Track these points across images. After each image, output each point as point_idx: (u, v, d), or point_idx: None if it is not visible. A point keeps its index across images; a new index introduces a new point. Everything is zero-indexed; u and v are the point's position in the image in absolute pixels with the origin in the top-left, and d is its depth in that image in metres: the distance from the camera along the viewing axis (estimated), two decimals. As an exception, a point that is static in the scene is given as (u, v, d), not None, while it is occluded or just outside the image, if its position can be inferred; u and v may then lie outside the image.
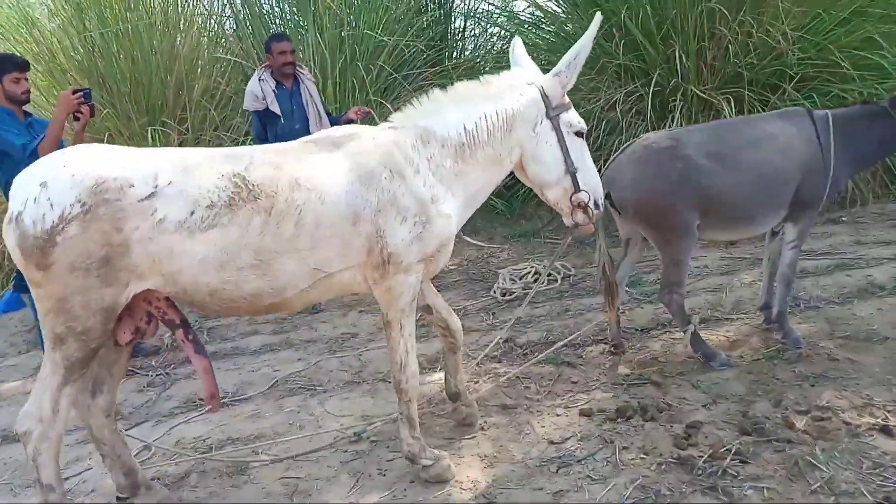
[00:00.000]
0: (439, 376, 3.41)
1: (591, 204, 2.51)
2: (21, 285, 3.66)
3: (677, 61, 5.61)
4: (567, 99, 2.51)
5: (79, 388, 2.20)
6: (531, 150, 2.48)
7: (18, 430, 2.15)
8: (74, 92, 3.52)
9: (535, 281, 4.69)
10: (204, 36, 6.50)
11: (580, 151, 2.51)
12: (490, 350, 3.58)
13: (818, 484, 2.20)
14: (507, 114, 2.45)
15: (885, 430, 2.45)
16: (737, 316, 3.76)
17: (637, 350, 3.47)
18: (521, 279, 4.69)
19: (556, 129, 2.45)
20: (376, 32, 5.99)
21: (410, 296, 2.37)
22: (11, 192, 2.07)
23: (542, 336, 3.79)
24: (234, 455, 2.88)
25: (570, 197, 2.49)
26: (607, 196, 3.07)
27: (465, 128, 2.42)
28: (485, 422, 2.92)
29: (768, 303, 3.45)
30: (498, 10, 7.22)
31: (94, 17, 5.61)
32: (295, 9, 6.27)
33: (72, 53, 5.64)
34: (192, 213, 2.05)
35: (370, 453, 2.78)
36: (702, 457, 2.42)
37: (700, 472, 2.35)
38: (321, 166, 2.25)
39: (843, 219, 5.29)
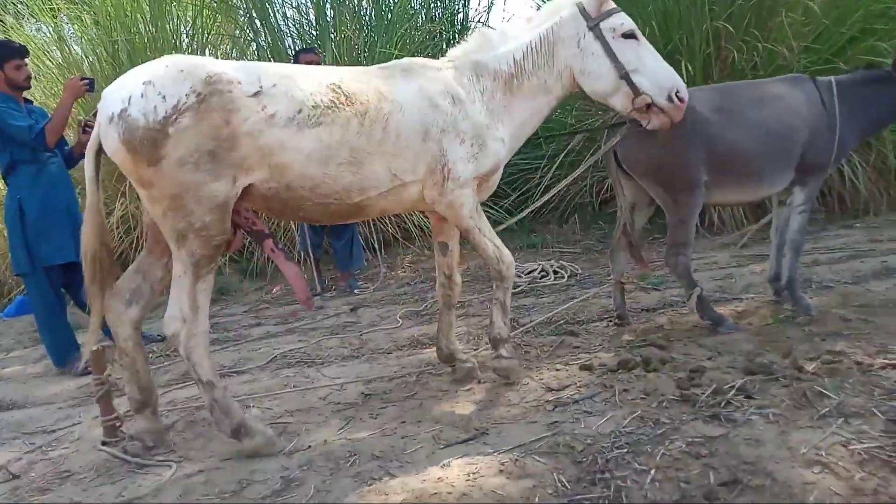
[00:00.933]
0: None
1: (660, 100, 2.50)
2: None
3: (684, 76, 5.69)
4: (611, 5, 2.55)
5: (211, 282, 2.26)
6: (579, 66, 2.56)
7: (167, 333, 2.24)
8: (81, 80, 3.67)
9: (543, 277, 4.64)
10: (227, 54, 6.74)
11: (635, 52, 2.52)
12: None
13: (827, 409, 2.07)
14: (547, 39, 2.58)
15: (898, 366, 2.33)
16: (745, 296, 3.66)
17: (642, 322, 3.37)
18: (527, 274, 4.64)
19: (600, 37, 2.51)
20: (394, 53, 6.20)
21: (472, 204, 2.55)
22: (102, 104, 2.12)
23: (545, 317, 3.71)
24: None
25: (633, 101, 2.52)
26: (614, 156, 3.14)
27: (514, 59, 2.59)
28: (482, 377, 2.83)
29: (778, 274, 3.34)
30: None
31: (122, 41, 5.88)
32: (315, 33, 6.54)
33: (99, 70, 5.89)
34: (300, 111, 2.21)
35: (363, 404, 2.70)
36: (704, 393, 2.31)
37: (702, 405, 2.24)
38: (399, 86, 2.47)
39: (857, 225, 5.20)
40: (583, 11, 2.55)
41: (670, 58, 5.88)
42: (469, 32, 7.36)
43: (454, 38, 7.15)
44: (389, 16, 6.70)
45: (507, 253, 2.63)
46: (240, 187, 2.19)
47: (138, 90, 2.06)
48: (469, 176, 2.50)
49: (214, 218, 2.14)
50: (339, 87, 2.33)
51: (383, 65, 2.64)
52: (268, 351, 3.73)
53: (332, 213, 2.43)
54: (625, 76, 2.50)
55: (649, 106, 2.52)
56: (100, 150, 2.21)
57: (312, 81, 2.31)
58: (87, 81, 3.68)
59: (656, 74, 2.52)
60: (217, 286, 4.43)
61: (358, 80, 2.42)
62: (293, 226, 5.43)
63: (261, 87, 2.18)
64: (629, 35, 2.53)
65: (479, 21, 7.34)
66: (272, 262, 5.64)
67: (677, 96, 2.50)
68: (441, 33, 6.95)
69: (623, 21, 2.53)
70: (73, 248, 3.61)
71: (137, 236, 5.58)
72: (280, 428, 2.51)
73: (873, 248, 4.13)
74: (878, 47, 5.44)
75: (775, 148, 3.00)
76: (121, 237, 5.56)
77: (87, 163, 2.26)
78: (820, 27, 5.38)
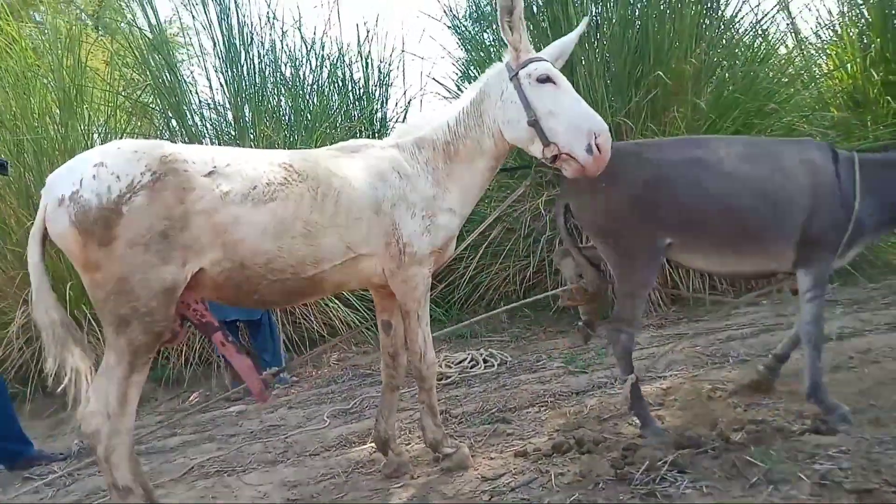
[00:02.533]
0: (369, 446, 3.20)
1: (574, 150, 2.32)
2: None
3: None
4: (532, 54, 2.48)
5: (144, 376, 2.14)
6: (501, 117, 2.52)
7: (86, 431, 2.10)
8: None
9: (473, 367, 4.61)
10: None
11: (551, 97, 2.39)
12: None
13: (756, 478, 2.10)
14: (477, 100, 2.61)
15: (816, 430, 2.41)
16: (669, 373, 3.74)
17: (573, 405, 3.37)
18: (457, 364, 4.59)
19: (517, 85, 2.46)
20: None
21: (424, 287, 2.56)
22: (48, 189, 2.09)
23: (477, 406, 3.65)
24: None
25: (543, 150, 2.41)
26: (567, 209, 2.83)
27: (448, 126, 2.64)
28: (415, 472, 2.72)
29: (787, 353, 2.99)
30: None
31: (28, 141, 5.72)
32: (233, 132, 6.57)
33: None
34: (255, 187, 2.24)
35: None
36: (639, 471, 2.30)
37: (637, 483, 2.22)
38: (347, 164, 2.52)
39: (764, 302, 5.50)
40: (508, 66, 2.52)
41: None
42: (389, 130, 7.64)
43: (373, 136, 7.36)
44: (308, 115, 6.85)
45: (431, 353, 2.63)
46: (189, 272, 2.13)
47: (90, 172, 2.04)
48: (425, 250, 2.52)
49: (160, 303, 2.07)
50: (291, 166, 2.37)
51: (331, 146, 2.72)
52: (184, 462, 3.45)
53: (288, 291, 2.37)
54: (533, 123, 2.39)
55: (555, 158, 2.39)
56: (44, 236, 2.12)
57: (264, 161, 2.36)
58: None
59: (572, 119, 2.34)
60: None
61: (306, 159, 2.47)
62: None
63: (214, 166, 2.21)
64: (544, 79, 2.41)
65: (397, 120, 7.60)
66: (189, 367, 5.39)
67: (596, 144, 2.29)
68: (360, 132, 7.14)
69: (538, 66, 2.43)
70: None
71: (39, 347, 5.18)
72: (196, 545, 2.29)
73: (780, 323, 4.36)
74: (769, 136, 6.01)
75: (762, 211, 2.55)
76: (21, 348, 5.15)
77: (31, 249, 2.15)
78: (708, 121, 5.90)
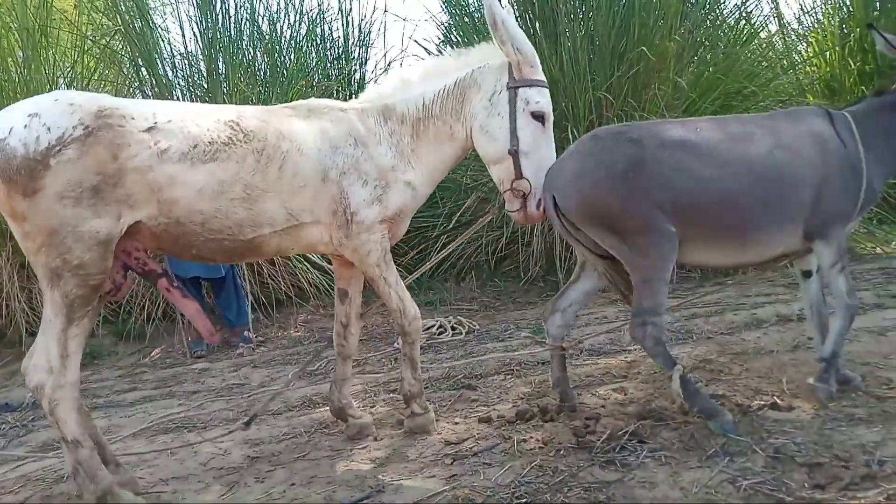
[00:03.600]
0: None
1: (530, 198, 2.43)
2: None
3: (570, 140, 6.03)
4: (539, 76, 2.43)
5: (86, 329, 2.08)
6: (481, 120, 2.46)
7: (29, 386, 2.07)
8: None
9: (441, 333, 4.61)
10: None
11: (535, 135, 2.40)
12: (389, 385, 3.42)
13: (713, 449, 2.14)
14: (463, 83, 2.50)
15: (773, 406, 2.45)
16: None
17: (539, 374, 3.39)
18: (426, 330, 4.58)
19: (513, 101, 2.39)
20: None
21: (379, 251, 2.49)
22: None
23: (443, 372, 3.65)
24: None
25: (511, 181, 2.43)
26: (554, 204, 2.45)
27: (423, 103, 2.54)
28: (378, 434, 2.72)
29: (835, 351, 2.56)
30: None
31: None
32: (206, 85, 6.37)
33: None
34: (195, 146, 2.16)
35: (249, 468, 2.50)
36: (600, 440, 2.33)
37: (598, 451, 2.25)
38: (299, 126, 2.42)
39: (729, 282, 5.60)
40: (510, 69, 2.42)
41: (557, 123, 6.28)
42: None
43: (351, 96, 7.21)
44: (284, 72, 6.67)
45: (411, 307, 2.59)
46: (124, 224, 2.07)
47: (21, 121, 1.97)
48: (373, 219, 2.44)
49: (94, 256, 2.01)
50: (238, 125, 2.28)
51: (289, 104, 2.60)
52: (143, 416, 3.41)
53: (226, 251, 2.31)
54: (514, 153, 2.41)
55: (517, 193, 2.44)
56: None
57: (210, 118, 2.27)
58: None
59: (540, 169, 2.42)
60: (87, 349, 4.05)
61: (258, 117, 2.37)
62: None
63: (155, 122, 2.13)
64: (539, 116, 2.41)
65: (376, 82, 7.46)
66: (152, 322, 5.29)
67: (538, 204, 2.45)
68: (337, 91, 6.98)
69: (541, 99, 2.41)
70: None
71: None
72: (153, 497, 2.27)
73: (744, 303, 4.43)
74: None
75: (766, 196, 2.37)
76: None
77: None
78: (688, 100, 5.91)
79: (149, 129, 2.10)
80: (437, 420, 2.77)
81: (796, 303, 4.19)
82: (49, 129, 1.97)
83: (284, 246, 2.44)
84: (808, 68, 7.79)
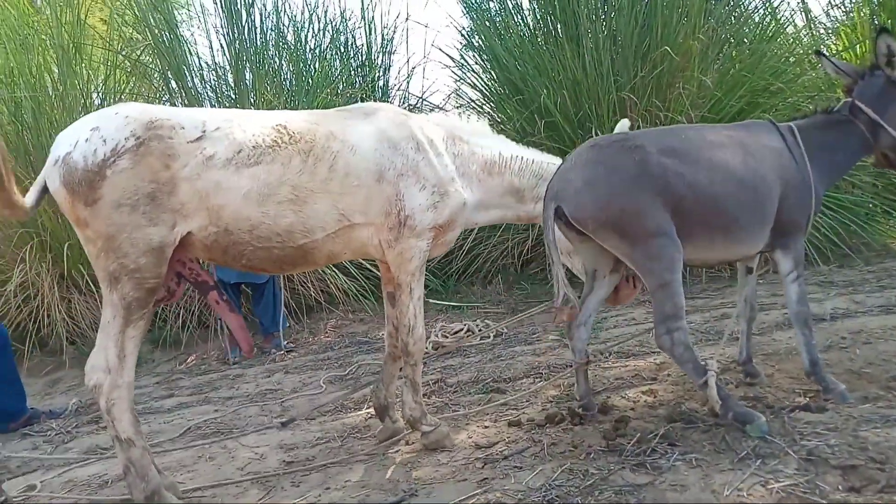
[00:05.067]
0: (365, 412, 3.25)
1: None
2: None
3: (595, 142, 6.02)
4: None
5: (142, 331, 2.18)
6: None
7: (88, 385, 2.16)
8: None
9: (468, 337, 4.64)
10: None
11: None
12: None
13: (745, 452, 2.13)
14: (545, 168, 2.81)
15: (805, 408, 2.43)
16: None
17: (568, 377, 3.41)
18: (453, 334, 4.63)
19: None
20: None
21: (420, 260, 2.53)
22: (54, 147, 2.15)
23: (472, 376, 3.69)
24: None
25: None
26: (558, 215, 2.49)
27: (500, 153, 2.76)
28: (409, 438, 2.76)
29: (749, 356, 2.94)
30: (420, 100, 7.61)
31: (25, 90, 5.65)
32: (234, 95, 6.51)
33: None
34: (240, 151, 2.23)
35: (285, 473, 2.56)
36: (630, 443, 2.34)
37: (628, 454, 2.26)
38: (354, 127, 2.48)
39: (760, 281, 5.53)
40: None
41: (581, 125, 6.28)
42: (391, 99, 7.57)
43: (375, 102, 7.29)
44: (310, 80, 6.78)
45: (420, 328, 2.59)
46: (178, 234, 2.17)
47: (84, 135, 2.10)
48: (427, 224, 2.49)
49: (149, 261, 2.11)
50: (285, 127, 2.34)
51: (345, 107, 2.67)
52: (181, 423, 3.51)
53: (276, 259, 2.35)
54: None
55: None
56: (44, 189, 2.19)
57: (256, 123, 2.33)
58: None
59: None
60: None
61: (308, 120, 2.43)
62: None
63: (203, 131, 2.22)
64: None
65: (399, 88, 7.54)
66: (186, 330, 5.42)
67: None
68: (362, 99, 7.07)
69: None
70: None
71: (36, 306, 5.21)
72: (193, 501, 2.33)
73: (775, 302, 4.38)
74: (763, 118, 5.96)
75: (747, 196, 2.50)
76: (18, 306, 5.17)
77: (31, 192, 2.21)
78: (713, 99, 5.85)
79: (198, 139, 2.19)
80: (467, 424, 2.81)
81: (828, 302, 4.14)
82: (105, 141, 2.08)
83: (336, 251, 2.45)
84: (839, 60, 7.65)
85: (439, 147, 2.58)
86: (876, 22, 7.26)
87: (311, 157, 2.32)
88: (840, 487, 1.83)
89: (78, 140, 2.10)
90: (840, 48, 8.04)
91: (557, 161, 2.83)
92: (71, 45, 6.10)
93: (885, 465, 1.89)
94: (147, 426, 3.51)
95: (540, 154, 2.88)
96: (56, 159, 2.11)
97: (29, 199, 2.19)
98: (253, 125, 2.31)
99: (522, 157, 2.79)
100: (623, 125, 3.07)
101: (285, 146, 2.30)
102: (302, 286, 5.75)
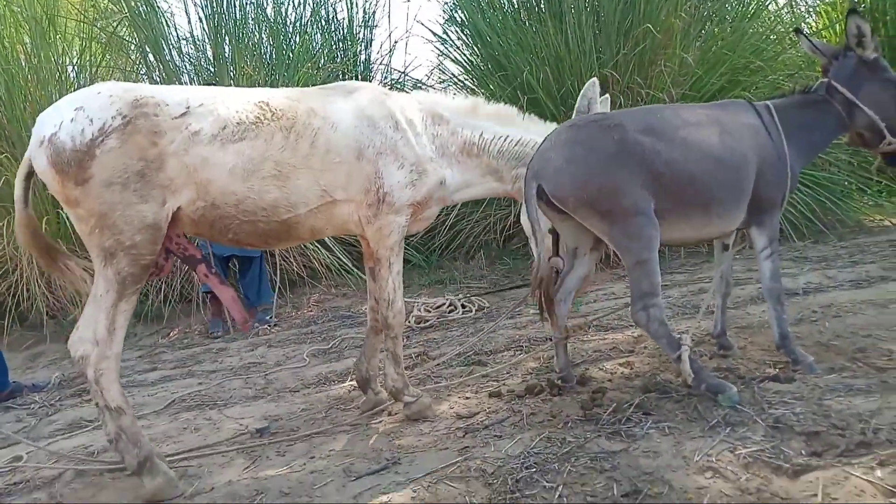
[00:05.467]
0: (348, 384, 3.30)
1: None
2: None
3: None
4: None
5: (132, 305, 2.20)
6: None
7: (74, 356, 2.18)
8: None
9: (451, 312, 4.70)
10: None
11: None
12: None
13: (715, 420, 2.22)
14: (525, 148, 2.81)
15: (775, 378, 2.53)
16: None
17: (548, 350, 3.48)
18: (436, 308, 4.68)
19: None
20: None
21: (398, 236, 2.58)
22: (36, 128, 2.15)
23: (454, 349, 3.75)
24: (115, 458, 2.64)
25: (550, 257, 2.69)
26: (539, 194, 2.53)
27: (481, 134, 2.77)
28: (392, 409, 2.82)
29: (723, 329, 3.03)
30: (403, 75, 7.57)
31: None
32: (212, 69, 6.43)
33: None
34: (224, 127, 2.26)
35: (269, 443, 2.61)
36: (606, 412, 2.41)
37: (604, 423, 2.34)
38: (335, 104, 2.51)
39: (736, 256, 5.64)
40: None
41: (564, 101, 6.30)
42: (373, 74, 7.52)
43: (356, 78, 7.25)
44: (290, 55, 6.71)
45: (400, 301, 2.64)
46: (170, 209, 2.19)
47: (69, 115, 2.10)
48: (405, 201, 2.54)
49: (145, 238, 2.14)
50: (267, 104, 2.37)
51: (327, 85, 2.70)
52: (165, 395, 3.54)
53: (261, 234, 2.39)
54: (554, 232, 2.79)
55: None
56: (30, 173, 2.21)
57: (240, 99, 2.36)
58: None
59: None
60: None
61: (290, 97, 2.46)
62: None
63: (188, 107, 2.23)
64: None
65: (381, 63, 7.49)
66: (168, 304, 5.42)
67: None
68: (343, 73, 7.02)
69: None
70: None
71: (15, 281, 5.17)
72: (180, 471, 2.37)
73: (750, 277, 4.48)
74: (742, 96, 6.03)
75: (723, 174, 2.54)
76: (-5, 281, 5.13)
77: (17, 184, 2.24)
78: (694, 77, 5.90)
79: (182, 115, 2.21)
80: (448, 395, 2.87)
81: (802, 277, 4.25)
82: (92, 121, 2.09)
83: (319, 226, 2.51)
84: (817, 40, 7.72)
85: (418, 127, 2.62)
86: (854, 0, 7.34)
87: (292, 133, 2.36)
88: (803, 452, 1.92)
89: (63, 120, 2.10)
90: (820, 26, 8.13)
91: (534, 131, 2.84)
92: (44, 17, 5.97)
93: (846, 432, 1.98)
94: (132, 398, 3.51)
95: (528, 131, 2.85)
96: (41, 140, 2.11)
97: (17, 191, 2.22)
98: (236, 102, 2.33)
99: (505, 138, 2.80)
100: (604, 101, 3.11)
101: (268, 122, 2.33)
102: (285, 261, 5.76)
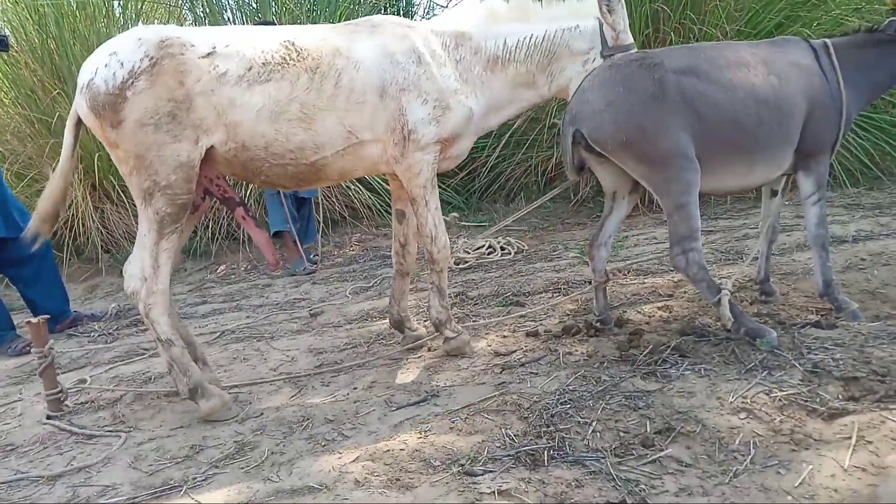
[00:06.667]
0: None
1: None
2: None
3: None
4: (629, 41, 2.60)
5: (175, 244, 2.31)
6: (576, 84, 2.59)
7: (127, 291, 2.32)
8: None
9: (490, 253, 4.73)
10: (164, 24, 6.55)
11: None
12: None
13: (752, 364, 2.23)
14: (554, 40, 2.61)
15: (817, 325, 2.50)
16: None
17: (586, 292, 3.50)
18: (475, 250, 4.72)
19: None
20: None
21: (429, 172, 2.54)
22: (80, 75, 2.23)
23: (493, 290, 3.80)
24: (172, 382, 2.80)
25: None
26: (577, 137, 2.49)
27: (504, 42, 2.60)
28: (431, 345, 2.90)
29: (767, 275, 2.97)
30: (445, 10, 7.38)
31: (49, 6, 5.62)
32: (255, 5, 6.40)
33: (24, 38, 5.62)
34: (250, 68, 2.27)
35: (314, 376, 2.73)
36: (642, 353, 2.44)
37: (640, 363, 2.37)
38: (359, 42, 2.47)
39: (786, 203, 5.48)
40: (603, 35, 2.59)
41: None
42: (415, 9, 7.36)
43: (398, 13, 7.12)
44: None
45: (443, 235, 2.63)
46: (202, 148, 2.25)
47: (104, 61, 2.19)
48: (431, 138, 2.48)
49: (179, 177, 2.22)
50: (293, 44, 2.35)
51: (353, 21, 2.64)
52: (215, 327, 3.70)
53: (291, 176, 2.43)
54: None
55: None
56: (79, 120, 2.30)
57: (266, 39, 2.35)
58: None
59: None
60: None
61: (315, 36, 2.43)
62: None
63: (213, 47, 2.25)
64: None
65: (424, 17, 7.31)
66: (216, 241, 5.59)
67: None
68: (386, 8, 6.90)
69: None
70: (2, 223, 3.54)
71: (71, 215, 5.38)
72: (232, 397, 2.51)
73: (798, 224, 4.37)
74: (801, 33, 5.73)
75: (769, 117, 2.45)
76: (55, 215, 5.35)
77: (67, 131, 2.35)
78: (750, 12, 5.62)
79: (208, 55, 2.23)
80: (486, 333, 2.94)
81: (853, 224, 4.13)
82: (122, 64, 2.16)
83: (347, 168, 2.51)
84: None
85: (441, 56, 2.53)
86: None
87: (317, 74, 2.34)
88: (840, 397, 1.93)
89: (98, 66, 2.18)
90: (892, -43, 7.57)
91: (560, 17, 2.63)
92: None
93: (886, 378, 1.97)
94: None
95: (553, 19, 2.62)
96: (81, 87, 2.21)
97: (67, 140, 2.33)
98: (262, 42, 2.34)
99: (529, 37, 2.60)
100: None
101: (293, 63, 2.32)
102: (327, 201, 5.84)
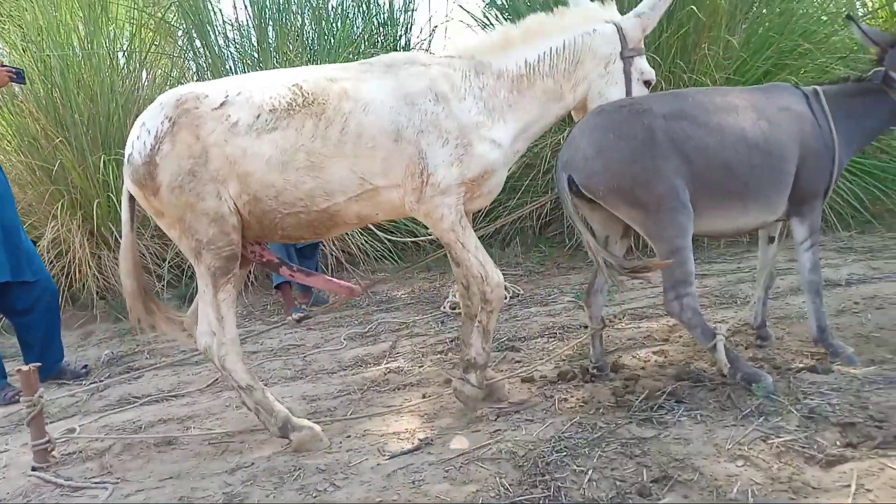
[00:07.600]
0: (384, 366, 3.37)
1: None
2: None
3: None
4: (643, 44, 2.56)
5: (232, 293, 2.36)
6: (599, 89, 2.55)
7: (200, 349, 2.39)
8: (9, 69, 3.63)
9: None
10: (167, 74, 6.68)
11: None
12: (436, 346, 3.57)
13: (749, 409, 2.21)
14: (576, 47, 2.52)
15: (812, 369, 2.49)
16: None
17: (581, 338, 3.48)
18: (470, 294, 4.70)
19: (627, 72, 2.51)
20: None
21: (454, 216, 2.37)
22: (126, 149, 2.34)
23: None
24: (163, 431, 2.76)
25: None
26: (569, 183, 2.48)
27: (525, 61, 2.50)
28: (426, 392, 2.87)
29: (763, 321, 2.96)
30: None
31: (53, 49, 5.74)
32: (257, 55, 6.54)
33: (28, 88, 5.71)
34: (258, 116, 2.26)
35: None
36: (638, 399, 2.42)
37: (636, 409, 2.35)
38: (370, 83, 2.38)
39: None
40: (621, 36, 2.52)
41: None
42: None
43: (394, 42, 7.31)
44: (332, 39, 6.78)
45: (494, 274, 2.43)
46: (227, 201, 2.27)
47: (136, 132, 2.28)
48: (451, 181, 2.32)
49: (216, 231, 2.27)
50: (300, 88, 2.30)
51: (368, 59, 2.53)
52: (209, 374, 3.66)
53: (306, 225, 2.38)
54: None
55: None
56: (131, 196, 2.38)
57: (275, 83, 2.33)
58: (13, 71, 3.64)
59: None
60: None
61: (326, 77, 2.36)
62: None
63: (226, 97, 2.28)
64: (648, 84, 2.60)
65: (420, 48, 7.49)
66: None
67: None
68: (379, 44, 7.09)
69: (651, 70, 2.57)
70: (8, 266, 3.54)
71: (68, 262, 5.40)
72: (222, 447, 2.48)
73: (791, 268, 4.39)
74: (789, 80, 5.86)
75: (759, 162, 2.46)
76: (51, 262, 5.35)
77: (123, 208, 2.43)
78: (739, 60, 5.76)
79: (221, 105, 2.27)
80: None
81: (845, 268, 4.15)
82: (149, 131, 2.25)
83: (365, 213, 2.40)
84: (872, 21, 7.42)
85: (461, 89, 2.40)
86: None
87: (322, 120, 2.26)
88: (838, 443, 1.91)
89: (133, 140, 2.28)
90: (876, 5, 7.80)
91: (574, 24, 2.57)
92: (97, 3, 6.16)
93: (884, 424, 1.95)
94: (176, 377, 3.68)
95: (566, 29, 2.55)
96: (125, 162, 2.31)
97: (125, 216, 2.42)
98: (270, 87, 2.30)
99: (550, 50, 2.51)
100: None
101: (299, 109, 2.27)
102: (324, 245, 5.86)
